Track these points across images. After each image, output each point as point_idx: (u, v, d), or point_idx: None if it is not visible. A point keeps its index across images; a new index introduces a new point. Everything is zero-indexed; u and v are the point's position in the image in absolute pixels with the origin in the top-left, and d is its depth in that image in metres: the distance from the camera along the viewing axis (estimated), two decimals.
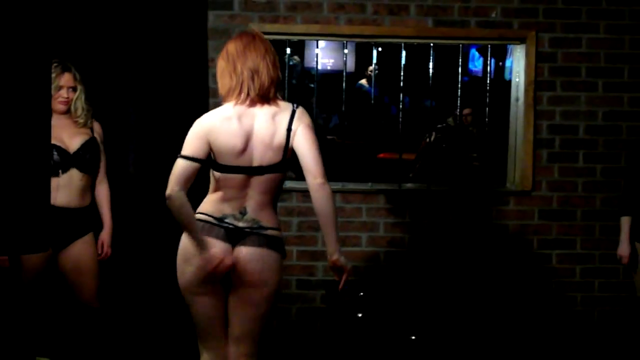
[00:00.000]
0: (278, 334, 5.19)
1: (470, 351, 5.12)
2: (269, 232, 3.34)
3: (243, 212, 3.32)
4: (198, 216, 3.34)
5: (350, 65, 8.81)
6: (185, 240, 3.33)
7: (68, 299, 4.32)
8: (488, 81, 5.52)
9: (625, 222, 4.62)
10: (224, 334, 3.43)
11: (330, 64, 9.02)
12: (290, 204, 5.19)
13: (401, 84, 5.39)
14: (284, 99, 3.45)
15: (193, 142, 3.29)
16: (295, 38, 5.29)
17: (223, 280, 3.35)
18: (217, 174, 3.34)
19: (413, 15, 5.16)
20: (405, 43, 5.27)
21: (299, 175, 3.49)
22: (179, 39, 5.04)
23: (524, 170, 5.21)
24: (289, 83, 5.56)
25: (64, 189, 4.10)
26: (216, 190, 3.37)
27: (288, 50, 5.38)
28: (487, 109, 5.49)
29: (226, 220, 3.31)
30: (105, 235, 4.40)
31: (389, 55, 6.54)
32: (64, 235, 4.16)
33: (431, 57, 5.30)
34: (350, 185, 5.30)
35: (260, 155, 3.29)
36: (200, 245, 3.26)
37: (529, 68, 5.18)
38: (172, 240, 4.69)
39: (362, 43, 5.52)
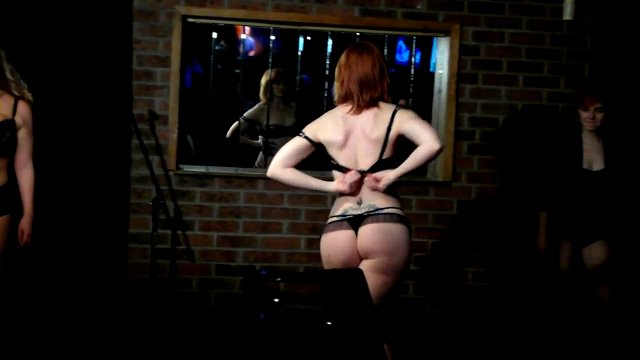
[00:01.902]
0: (197, 320, 5.17)
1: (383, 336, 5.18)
2: (386, 210, 3.65)
3: (359, 202, 3.69)
4: (328, 220, 3.79)
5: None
6: (323, 239, 3.78)
7: None
8: (412, 72, 5.57)
9: (543, 216, 4.79)
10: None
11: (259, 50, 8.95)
12: (212, 189, 5.16)
13: (327, 72, 5.40)
14: (386, 101, 3.77)
15: (309, 128, 3.81)
16: (222, 23, 5.25)
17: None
18: (335, 173, 3.79)
19: (340, 3, 5.18)
20: (331, 31, 5.29)
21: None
22: (103, 20, 4.96)
23: (445, 161, 5.27)
24: (215, 68, 5.52)
25: None
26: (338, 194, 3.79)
27: (214, 35, 5.35)
28: (410, 100, 5.55)
29: (347, 214, 3.70)
30: (25, 222, 4.19)
31: (317, 44, 6.53)
32: None
33: None
34: None
35: (361, 148, 3.68)
36: (327, 187, 3.82)
37: (452, 60, 5.24)
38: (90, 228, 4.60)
39: (290, 30, 5.51)
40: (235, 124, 6.12)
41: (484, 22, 5.25)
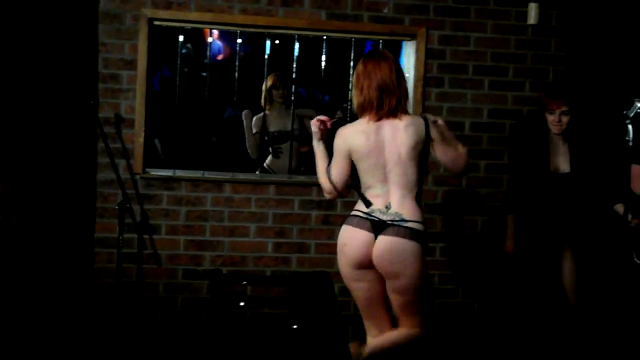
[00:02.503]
0: (163, 324, 5.15)
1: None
2: (410, 224, 3.70)
3: (388, 207, 3.73)
4: (352, 213, 3.83)
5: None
6: (344, 229, 3.82)
7: None
8: None
9: (510, 219, 4.83)
10: (384, 311, 3.89)
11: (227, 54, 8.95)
12: (178, 193, 5.15)
13: (294, 75, 5.41)
14: (405, 106, 3.84)
15: (337, 160, 3.84)
16: (189, 26, 5.23)
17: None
18: (363, 177, 3.83)
19: (307, 7, 5.18)
20: (298, 35, 5.29)
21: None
22: (68, 22, 4.92)
23: None
24: (182, 72, 5.50)
25: None
26: (365, 192, 3.82)
27: (181, 38, 5.33)
28: None
29: (373, 215, 3.74)
30: None
31: (285, 47, 6.54)
32: None
33: (324, 50, 5.34)
34: (240, 176, 5.29)
35: (392, 161, 3.74)
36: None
37: (419, 64, 5.27)
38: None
39: (257, 34, 5.50)
40: (251, 140, 6.08)
41: (449, 26, 5.29)
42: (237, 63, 5.41)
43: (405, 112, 3.81)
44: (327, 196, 3.94)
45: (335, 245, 5.16)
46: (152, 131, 5.57)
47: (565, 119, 4.67)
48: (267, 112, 6.03)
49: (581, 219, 4.79)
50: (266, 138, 6.04)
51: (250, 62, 6.81)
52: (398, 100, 3.77)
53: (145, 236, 5.09)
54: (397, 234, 3.69)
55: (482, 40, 5.33)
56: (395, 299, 3.79)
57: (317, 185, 5.23)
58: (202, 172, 5.24)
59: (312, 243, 5.27)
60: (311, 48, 5.78)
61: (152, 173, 5.19)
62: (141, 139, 5.10)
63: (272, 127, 6.01)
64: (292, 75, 5.42)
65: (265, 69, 5.44)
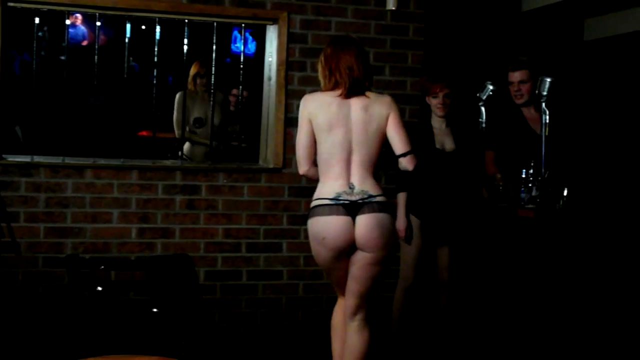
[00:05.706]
0: (23, 314, 5.02)
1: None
2: (378, 199, 3.79)
3: (352, 187, 3.78)
4: (316, 202, 3.80)
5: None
6: (316, 221, 3.77)
7: None
8: (242, 60, 5.60)
9: (401, 197, 4.87)
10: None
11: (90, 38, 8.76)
12: (37, 179, 5.02)
13: (155, 59, 5.36)
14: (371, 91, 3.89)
15: (302, 124, 3.86)
16: (45, 8, 5.10)
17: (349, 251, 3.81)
18: (323, 156, 3.81)
19: None
20: (159, 18, 5.23)
21: None
22: None
23: (275, 148, 5.34)
24: (40, 56, 5.36)
25: None
26: (324, 174, 3.82)
27: (37, 21, 5.18)
28: (240, 87, 5.59)
29: (341, 198, 3.75)
30: None
31: (147, 31, 6.45)
32: None
33: (185, 34, 5.31)
34: (102, 161, 5.20)
35: (357, 139, 3.79)
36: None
37: (281, 48, 5.31)
38: None
39: (120, 17, 5.40)
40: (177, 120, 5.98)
41: (311, 10, 5.35)
42: (96, 46, 5.30)
43: (370, 92, 3.87)
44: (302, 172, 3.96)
45: (198, 229, 5.27)
46: (13, 117, 5.40)
47: (448, 101, 4.84)
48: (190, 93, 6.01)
49: (469, 195, 4.95)
50: (187, 128, 5.97)
51: (114, 46, 6.68)
52: (364, 81, 3.82)
53: (3, 224, 4.92)
54: (374, 210, 3.75)
55: (343, 25, 5.41)
56: (362, 274, 3.81)
57: (181, 169, 5.27)
58: (62, 157, 5.13)
59: (177, 228, 5.24)
60: (173, 32, 5.72)
61: (9, 159, 5.04)
62: None
63: (194, 114, 5.96)
64: (154, 59, 5.36)
65: (126, 53, 5.34)
